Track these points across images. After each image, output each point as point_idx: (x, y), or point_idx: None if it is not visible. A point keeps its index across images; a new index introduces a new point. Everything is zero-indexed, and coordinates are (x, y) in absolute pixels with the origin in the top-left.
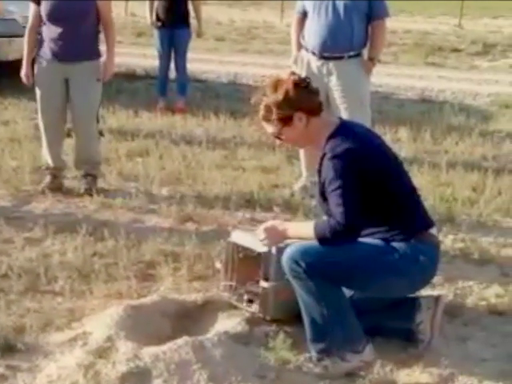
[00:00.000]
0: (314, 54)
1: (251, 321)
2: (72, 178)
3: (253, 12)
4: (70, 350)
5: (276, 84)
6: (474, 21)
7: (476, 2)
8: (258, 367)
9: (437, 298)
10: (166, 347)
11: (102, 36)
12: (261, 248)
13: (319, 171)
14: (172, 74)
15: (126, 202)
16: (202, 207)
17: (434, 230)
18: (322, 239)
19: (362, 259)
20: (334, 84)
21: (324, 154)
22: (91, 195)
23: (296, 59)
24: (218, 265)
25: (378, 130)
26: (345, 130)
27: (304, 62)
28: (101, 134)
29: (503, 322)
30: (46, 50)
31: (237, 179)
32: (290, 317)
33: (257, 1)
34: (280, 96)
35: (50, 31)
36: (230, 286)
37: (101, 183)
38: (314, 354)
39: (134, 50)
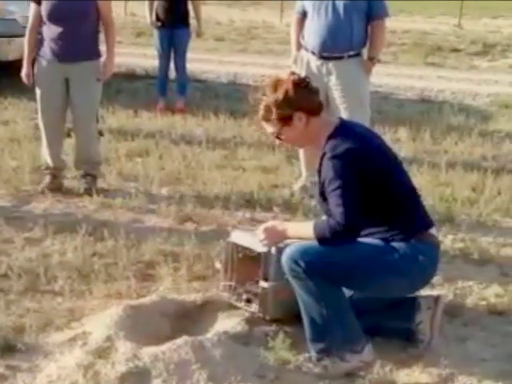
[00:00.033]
0: (313, 53)
1: (251, 321)
2: (72, 178)
3: (252, 12)
4: (70, 350)
5: (276, 84)
6: (474, 21)
7: (476, 2)
8: (257, 367)
9: (436, 298)
10: (165, 347)
11: (102, 36)
12: (260, 248)
13: (319, 171)
14: (172, 73)
15: (126, 202)
16: (202, 207)
17: (433, 230)
18: (321, 239)
19: (361, 259)
20: (333, 84)
21: (324, 154)
22: (91, 195)
23: (296, 59)
24: (218, 265)
25: (378, 129)
26: (345, 129)
27: (304, 61)
28: (100, 133)
29: (503, 322)
30: (47, 50)
31: (237, 179)
32: (290, 317)
33: (256, 1)
34: (280, 96)
35: (50, 31)
36: (230, 285)
37: (100, 183)
38: (313, 353)
39: (134, 50)
